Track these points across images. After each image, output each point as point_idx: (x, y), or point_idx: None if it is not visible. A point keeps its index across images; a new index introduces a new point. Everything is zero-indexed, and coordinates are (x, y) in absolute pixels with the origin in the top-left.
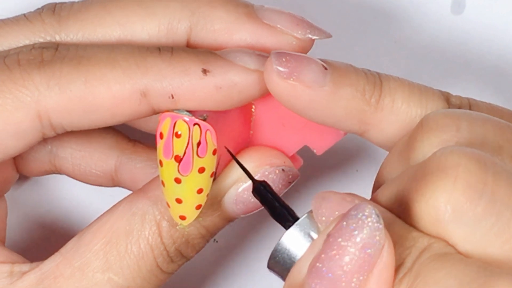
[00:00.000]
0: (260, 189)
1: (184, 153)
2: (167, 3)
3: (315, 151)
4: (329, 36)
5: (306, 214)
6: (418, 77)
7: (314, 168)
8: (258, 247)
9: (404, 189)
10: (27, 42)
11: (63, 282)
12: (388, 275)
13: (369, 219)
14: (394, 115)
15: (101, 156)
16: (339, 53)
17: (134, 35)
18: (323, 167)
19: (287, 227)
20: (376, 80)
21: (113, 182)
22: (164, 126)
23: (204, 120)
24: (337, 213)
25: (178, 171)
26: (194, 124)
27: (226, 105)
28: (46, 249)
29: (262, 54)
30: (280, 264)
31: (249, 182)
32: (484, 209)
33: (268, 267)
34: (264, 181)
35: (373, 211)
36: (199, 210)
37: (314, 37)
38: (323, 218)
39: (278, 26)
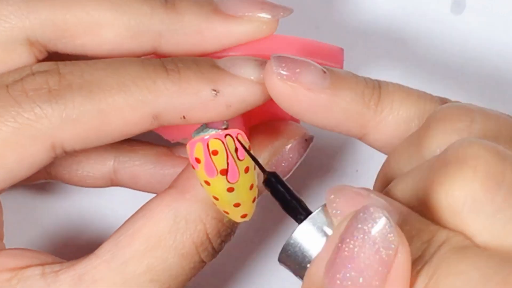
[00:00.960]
0: (272, 181)
1: (227, 163)
2: (140, 6)
3: None
4: (292, 11)
5: (319, 208)
6: (418, 78)
7: (313, 168)
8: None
9: (420, 181)
10: None
11: (103, 285)
12: (404, 274)
13: (378, 220)
14: (392, 116)
15: (98, 159)
16: None
17: (100, 31)
18: (323, 167)
19: (299, 220)
20: (375, 85)
21: (112, 182)
22: (198, 151)
23: (227, 127)
24: (352, 208)
25: (228, 181)
26: (225, 136)
27: (233, 116)
28: (46, 250)
29: (261, 60)
30: (291, 259)
31: (278, 157)
32: (503, 200)
33: (279, 260)
34: (274, 173)
35: (382, 212)
36: (255, 202)
37: (279, 17)
38: (338, 212)
39: (246, 14)
